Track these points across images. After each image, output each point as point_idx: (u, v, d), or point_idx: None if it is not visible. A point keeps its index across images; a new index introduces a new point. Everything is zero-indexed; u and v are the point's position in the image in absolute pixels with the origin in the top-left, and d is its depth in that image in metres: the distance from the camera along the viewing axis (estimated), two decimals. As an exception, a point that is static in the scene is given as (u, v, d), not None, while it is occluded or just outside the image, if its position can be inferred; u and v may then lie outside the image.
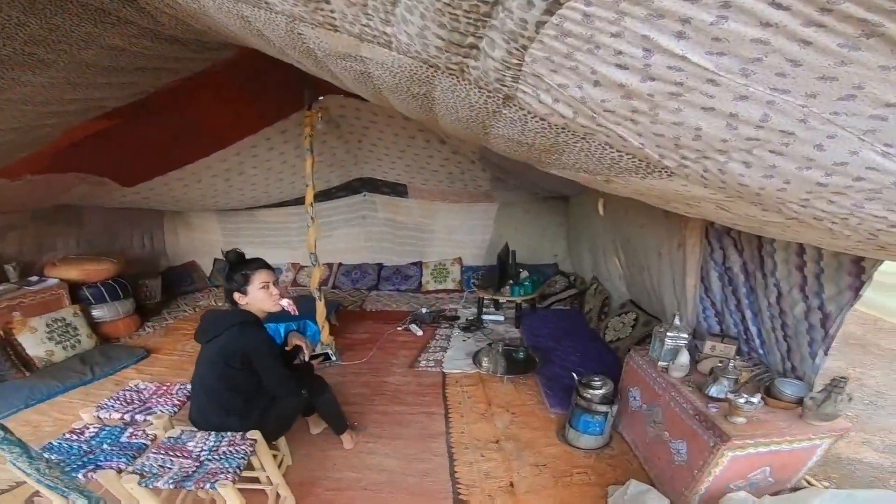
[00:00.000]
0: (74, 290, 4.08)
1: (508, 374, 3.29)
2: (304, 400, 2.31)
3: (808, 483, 2.07)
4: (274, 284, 2.09)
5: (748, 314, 2.35)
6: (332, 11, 1.16)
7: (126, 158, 3.66)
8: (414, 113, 1.97)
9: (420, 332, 4.25)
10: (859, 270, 1.71)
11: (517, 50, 0.95)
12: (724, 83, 0.78)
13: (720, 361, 2.26)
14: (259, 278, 2.02)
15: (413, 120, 3.98)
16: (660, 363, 2.40)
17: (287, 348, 2.42)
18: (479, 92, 1.24)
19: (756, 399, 1.82)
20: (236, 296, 2.01)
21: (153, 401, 2.36)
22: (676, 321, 2.37)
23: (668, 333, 2.34)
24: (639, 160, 1.23)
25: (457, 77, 1.22)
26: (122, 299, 4.34)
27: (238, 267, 2.03)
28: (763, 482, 1.93)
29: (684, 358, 2.26)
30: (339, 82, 2.01)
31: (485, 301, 4.57)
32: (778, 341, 2.16)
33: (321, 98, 3.88)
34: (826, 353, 1.92)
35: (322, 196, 5.60)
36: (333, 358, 3.40)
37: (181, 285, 5.69)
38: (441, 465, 2.45)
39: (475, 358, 3.55)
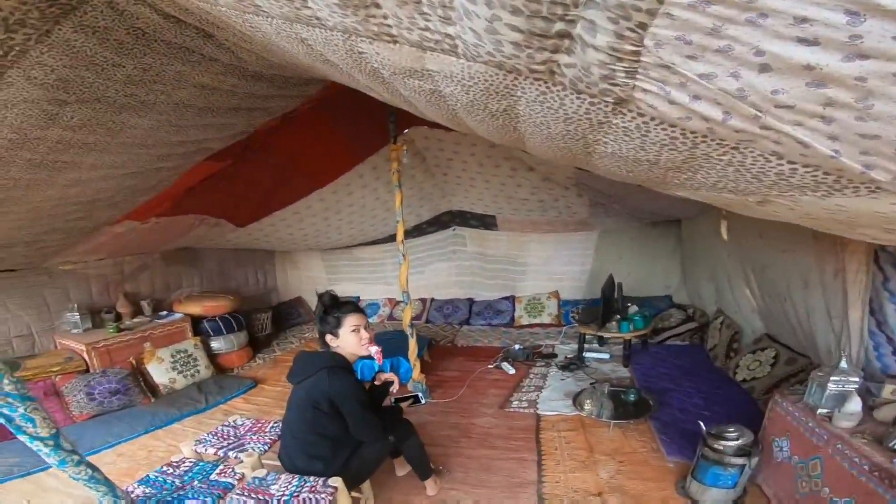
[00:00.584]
0: (196, 324, 4.52)
1: (616, 420, 2.81)
2: (391, 445, 2.20)
3: None
4: (365, 328, 2.06)
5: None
6: (385, 18, 1.03)
7: (236, 200, 4.03)
8: (496, 135, 1.80)
9: (512, 371, 3.92)
10: None
11: (632, 31, 0.70)
12: None
13: None
14: (350, 322, 2.00)
15: (498, 146, 3.87)
16: (819, 411, 1.86)
17: (377, 383, 2.35)
18: (579, 98, 1.01)
19: None
20: (328, 338, 2.02)
21: (247, 437, 2.41)
22: (843, 363, 1.82)
23: (832, 377, 1.80)
24: (825, 174, 0.91)
25: (545, 82, 1.01)
26: (236, 332, 4.69)
27: (331, 309, 2.03)
28: None
29: (855, 405, 1.74)
30: (414, 109, 1.94)
31: (587, 337, 4.10)
32: None
33: (406, 131, 3.94)
34: None
35: (413, 232, 5.69)
36: (423, 401, 3.25)
37: (290, 319, 6.08)
38: (531, 521, 2.09)
39: (576, 399, 3.12)
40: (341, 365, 1.96)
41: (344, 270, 6.33)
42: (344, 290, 6.37)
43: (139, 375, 3.87)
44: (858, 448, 1.62)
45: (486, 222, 5.41)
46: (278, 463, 2.11)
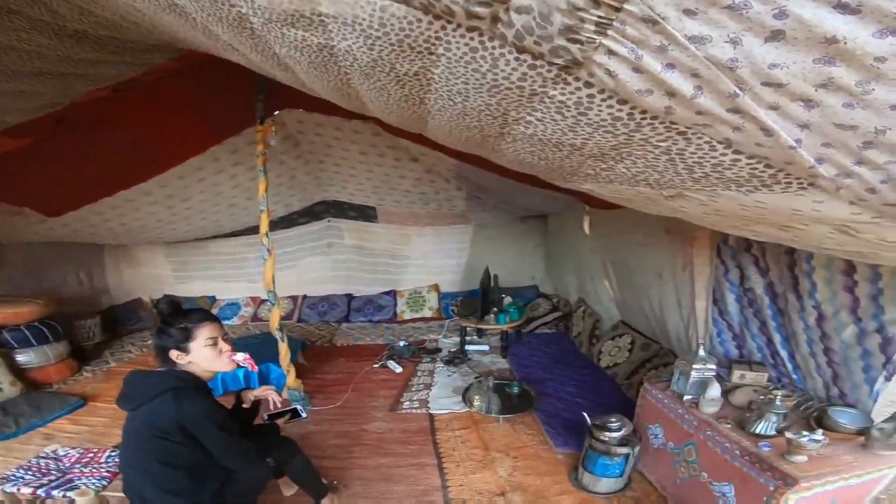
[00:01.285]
0: (-6, 335, 3.48)
1: (504, 414, 2.91)
2: (270, 469, 1.90)
3: None
4: (224, 339, 1.70)
5: (777, 337, 2.12)
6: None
7: (48, 184, 3.12)
8: (394, 111, 1.55)
9: (399, 369, 3.81)
10: None
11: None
12: None
13: (755, 391, 2.01)
14: (204, 333, 1.64)
15: (382, 135, 3.67)
16: (686, 398, 2.11)
17: (245, 405, 2.00)
18: (518, 59, 0.84)
19: (819, 436, 1.58)
20: (174, 354, 1.61)
21: (75, 471, 1.92)
22: (701, 352, 2.10)
23: (694, 365, 2.06)
24: (766, 167, 0.90)
25: (481, 34, 0.82)
26: (51, 342, 3.76)
27: (174, 319, 1.64)
28: None
29: (715, 391, 1.99)
30: (289, 75, 1.58)
31: (467, 330, 4.20)
32: (819, 367, 1.92)
33: (276, 113, 3.49)
34: (888, 380, 1.68)
35: (283, 223, 5.16)
36: (304, 415, 2.92)
37: (126, 324, 5.05)
38: (440, 531, 2.03)
39: (465, 396, 3.16)
40: (191, 385, 1.60)
41: (195, 267, 5.44)
42: (196, 289, 5.50)
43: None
44: (726, 434, 1.84)
45: (365, 214, 5.16)
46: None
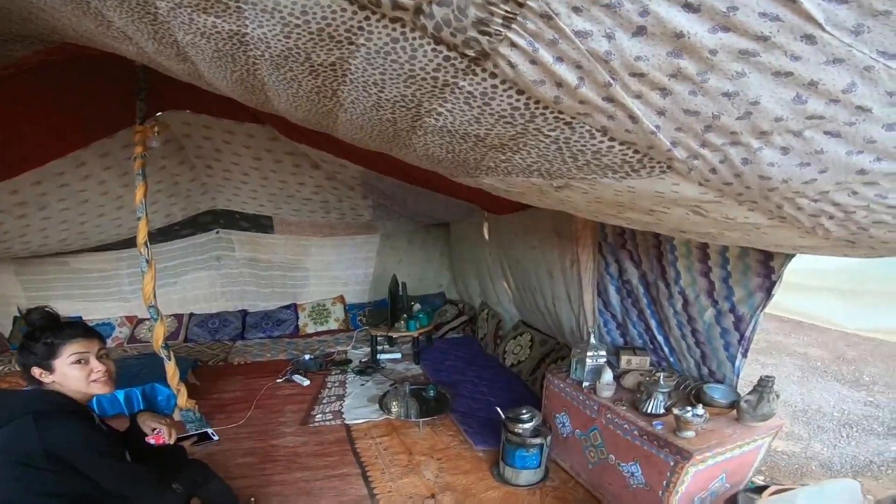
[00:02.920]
0: None
1: (423, 417, 2.94)
2: (179, 496, 1.67)
3: (755, 483, 2.12)
4: (99, 358, 1.48)
5: (652, 324, 2.46)
6: None
7: None
8: (303, 105, 1.50)
9: (307, 382, 3.64)
10: (768, 271, 1.85)
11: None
12: (825, 41, 0.66)
13: (641, 375, 2.29)
14: (70, 349, 1.42)
15: (280, 140, 3.51)
16: (585, 384, 2.33)
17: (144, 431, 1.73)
18: (435, 50, 0.90)
19: (701, 411, 1.83)
20: (35, 372, 1.40)
21: None
22: (593, 340, 2.36)
23: (588, 353, 2.30)
24: (634, 152, 1.05)
25: (403, 24, 0.86)
26: None
27: (41, 333, 1.42)
28: (720, 489, 1.94)
29: (608, 376, 2.21)
30: (188, 66, 1.47)
31: (378, 339, 4.15)
32: (690, 348, 2.27)
33: (159, 114, 3.18)
34: (745, 356, 2.04)
35: (161, 236, 4.61)
36: (215, 437, 2.63)
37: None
38: (375, 539, 1.99)
39: (382, 403, 3.13)
40: (60, 407, 1.38)
41: (52, 285, 4.59)
42: (58, 309, 4.62)
43: None
44: (623, 415, 2.04)
45: (260, 224, 4.84)
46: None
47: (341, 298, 5.31)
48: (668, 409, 1.97)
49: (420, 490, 2.33)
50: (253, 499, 2.17)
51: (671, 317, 2.32)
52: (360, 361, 4.08)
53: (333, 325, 5.08)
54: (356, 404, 3.24)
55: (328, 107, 1.44)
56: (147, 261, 2.90)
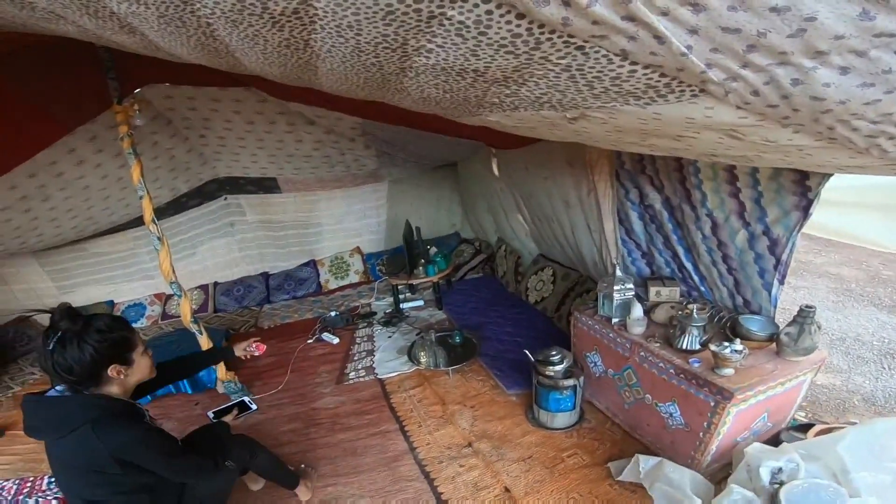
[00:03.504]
0: None
1: (452, 366, 3.01)
2: (233, 472, 1.80)
3: (797, 421, 2.10)
4: None
5: (680, 250, 2.35)
6: None
7: None
8: (275, 60, 1.36)
9: (336, 340, 3.74)
10: (804, 189, 1.69)
11: None
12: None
13: (672, 307, 2.20)
14: (139, 339, 1.49)
15: (269, 101, 3.32)
16: (614, 320, 2.27)
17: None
18: None
19: (739, 346, 1.73)
20: (113, 370, 1.39)
21: (20, 502, 1.84)
22: (619, 272, 2.26)
23: (615, 287, 2.22)
24: (660, 76, 0.92)
25: None
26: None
27: (110, 328, 1.40)
28: (763, 429, 1.92)
29: (638, 311, 2.14)
30: (139, 39, 1.33)
31: (399, 288, 4.18)
32: (722, 275, 2.17)
33: (137, 91, 3.01)
34: (781, 283, 1.92)
35: (170, 209, 4.60)
36: (253, 406, 2.76)
37: (17, 347, 4.34)
38: (421, 490, 2.12)
39: (410, 354, 3.20)
40: (113, 412, 1.40)
41: (77, 273, 4.71)
42: (87, 296, 4.82)
43: None
44: (657, 353, 1.97)
45: (265, 186, 4.76)
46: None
47: (358, 249, 5.31)
48: (703, 345, 1.89)
49: (457, 440, 2.42)
50: (303, 465, 2.29)
51: (699, 242, 2.20)
52: (385, 312, 4.15)
53: (354, 278, 5.13)
54: (386, 357, 3.33)
55: (304, 59, 1.30)
56: (159, 238, 2.86)
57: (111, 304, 4.91)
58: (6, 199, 3.08)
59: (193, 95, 3.26)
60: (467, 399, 2.75)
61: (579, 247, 3.18)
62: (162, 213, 4.52)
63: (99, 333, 1.37)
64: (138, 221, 4.37)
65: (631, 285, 2.24)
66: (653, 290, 2.33)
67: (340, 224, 5.25)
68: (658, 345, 2.03)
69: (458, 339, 3.24)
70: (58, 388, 1.41)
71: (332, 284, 5.10)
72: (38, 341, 3.95)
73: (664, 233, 2.41)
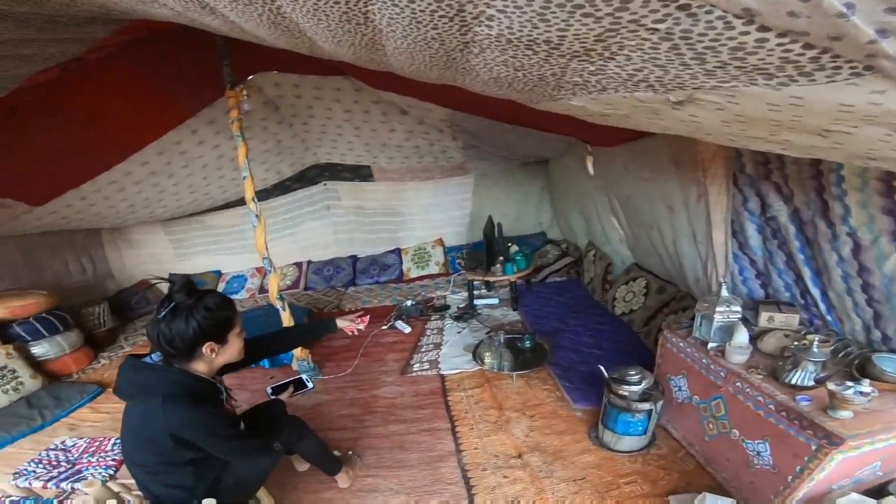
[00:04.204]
0: (5, 330, 3.51)
1: (517, 371, 2.84)
2: (279, 454, 1.84)
3: None
4: None
5: (806, 272, 1.92)
6: None
7: (22, 173, 2.99)
8: (340, 38, 1.32)
9: (408, 329, 3.76)
10: None
11: None
12: None
13: (786, 336, 1.84)
14: (239, 320, 1.52)
15: (365, 90, 3.41)
16: (710, 345, 1.95)
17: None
18: None
19: (867, 387, 1.40)
20: (208, 347, 1.45)
21: (83, 461, 1.95)
22: (724, 292, 1.92)
23: (718, 308, 1.89)
24: (804, 47, 0.68)
25: None
26: (63, 332, 3.76)
27: (217, 305, 1.45)
28: (870, 477, 1.55)
29: (743, 337, 1.81)
30: (221, 20, 1.38)
31: (475, 283, 4.08)
32: (858, 306, 1.74)
33: (250, 77, 3.25)
34: None
35: (276, 191, 5.02)
36: (310, 384, 2.87)
37: (137, 308, 5.05)
38: (458, 495, 2.01)
39: (475, 353, 3.09)
40: (189, 390, 1.45)
41: (195, 242, 5.37)
42: (200, 264, 5.47)
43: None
44: (758, 385, 1.67)
45: (360, 174, 4.96)
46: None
47: (440, 241, 5.32)
48: (819, 382, 1.57)
49: (507, 448, 2.26)
50: (350, 452, 2.31)
51: (833, 265, 1.77)
52: (458, 307, 4.08)
53: (434, 269, 5.14)
54: (452, 353, 3.25)
55: (368, 36, 1.25)
56: (256, 216, 3.03)
57: (218, 273, 5.51)
58: (139, 173, 3.56)
59: (298, 83, 3.46)
60: (527, 407, 2.57)
61: (681, 259, 2.79)
62: (269, 193, 4.95)
63: (207, 311, 1.42)
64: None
65: (738, 308, 1.90)
66: (764, 314, 1.95)
67: (426, 214, 5.30)
68: (760, 377, 1.72)
69: (527, 344, 3.05)
70: (154, 356, 1.50)
71: (413, 273, 5.17)
72: (155, 303, 4.50)
73: (788, 251, 1.99)
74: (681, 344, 2.10)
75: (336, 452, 2.19)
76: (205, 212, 5.02)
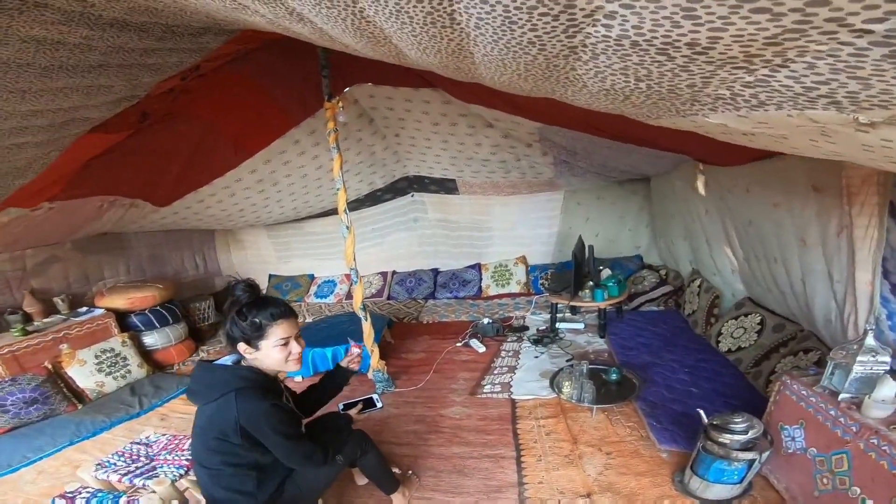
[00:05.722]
0: (124, 319, 3.98)
1: (599, 404, 2.56)
2: (341, 466, 1.81)
3: None
4: (296, 339, 1.59)
5: None
6: None
7: (149, 177, 3.41)
8: (426, 45, 1.24)
9: (482, 349, 3.62)
10: None
11: None
12: None
13: None
14: (278, 333, 1.53)
15: (452, 102, 3.39)
16: (842, 396, 1.61)
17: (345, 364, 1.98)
18: None
19: None
20: (241, 347, 1.52)
21: (160, 458, 2.01)
22: (870, 339, 1.55)
23: (860, 357, 1.53)
24: None
25: None
26: (171, 324, 4.18)
27: (250, 310, 1.52)
28: None
29: (888, 391, 1.49)
30: (311, 28, 1.37)
31: (558, 306, 3.83)
32: None
33: (347, 89, 3.40)
34: None
35: (367, 201, 5.21)
36: (379, 404, 2.86)
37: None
38: (514, 532, 1.82)
39: (553, 382, 2.86)
40: (256, 384, 1.50)
41: (294, 246, 5.78)
42: (296, 267, 5.88)
43: (60, 381, 3.37)
44: None
45: (446, 187, 4.97)
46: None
47: (523, 259, 5.12)
48: None
49: (575, 486, 2.01)
50: (410, 471, 2.22)
51: None
52: (538, 329, 3.84)
53: (515, 288, 4.95)
54: (527, 378, 3.04)
55: (455, 41, 1.14)
56: (347, 227, 3.10)
57: (312, 276, 5.86)
58: (248, 181, 3.90)
59: (391, 95, 3.55)
60: (605, 443, 2.28)
61: (810, 297, 2.33)
62: (361, 203, 5.18)
63: (238, 315, 1.51)
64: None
65: (886, 357, 1.53)
66: None
67: (511, 231, 5.15)
68: None
69: (613, 377, 2.74)
70: (228, 357, 1.60)
71: (493, 291, 5.02)
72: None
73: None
74: (803, 392, 1.77)
75: (396, 470, 2.12)
76: (304, 219, 5.38)
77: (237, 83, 2.76)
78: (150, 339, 4.04)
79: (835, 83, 0.70)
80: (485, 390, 2.97)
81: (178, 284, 4.65)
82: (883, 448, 1.44)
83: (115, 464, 1.93)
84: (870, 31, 0.55)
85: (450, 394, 3.00)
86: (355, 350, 1.97)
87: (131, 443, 2.11)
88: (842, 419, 1.60)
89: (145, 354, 3.93)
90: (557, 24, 0.82)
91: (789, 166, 2.20)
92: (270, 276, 5.93)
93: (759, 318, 2.83)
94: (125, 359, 3.71)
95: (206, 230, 5.39)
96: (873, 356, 1.54)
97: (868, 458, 1.49)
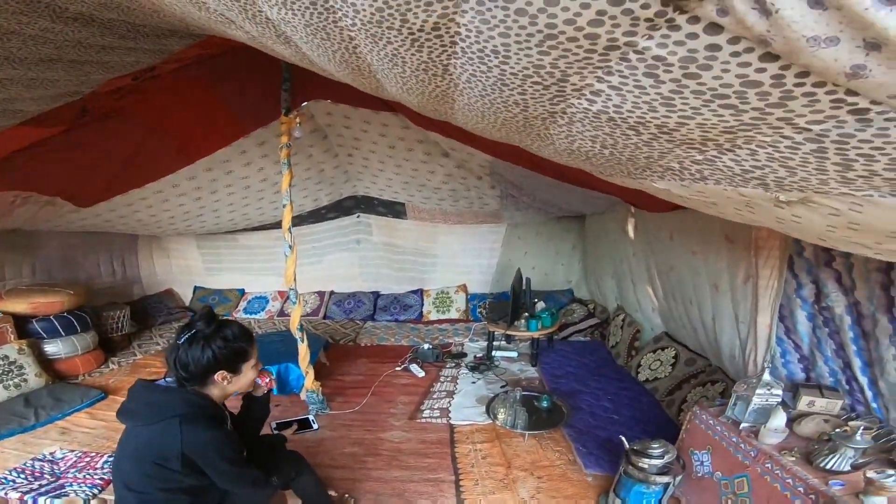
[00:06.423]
0: (25, 325, 3.56)
1: (531, 430, 2.68)
2: (275, 488, 1.75)
3: None
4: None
5: (856, 363, 1.80)
6: None
7: (79, 175, 3.13)
8: (412, 85, 1.29)
9: (422, 374, 3.64)
10: None
11: None
12: None
13: (826, 421, 1.74)
14: (254, 354, 1.54)
15: (411, 128, 3.50)
16: (743, 425, 1.85)
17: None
18: None
19: None
20: (219, 376, 1.45)
21: (68, 476, 1.83)
22: (767, 375, 1.81)
23: (758, 391, 1.78)
24: None
25: None
26: (79, 333, 3.78)
27: (236, 338, 1.48)
28: None
29: (780, 421, 1.73)
30: (294, 50, 1.40)
31: (495, 334, 3.97)
32: None
33: (304, 104, 3.39)
34: None
35: (311, 218, 5.11)
36: (315, 426, 2.77)
37: (157, 316, 5.09)
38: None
39: (489, 408, 2.94)
40: (204, 411, 1.43)
41: (225, 259, 5.48)
42: (226, 280, 5.55)
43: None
44: (789, 468, 1.58)
45: (395, 210, 5.02)
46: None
47: (464, 287, 5.26)
48: (856, 468, 1.50)
49: None
50: (346, 495, 2.17)
51: (889, 359, 1.65)
52: (475, 357, 3.95)
53: (455, 315, 5.05)
54: (464, 403, 3.11)
55: (441, 87, 1.21)
56: (290, 246, 3.02)
57: (242, 291, 5.57)
58: (185, 187, 3.70)
59: (349, 115, 3.56)
60: (536, 468, 2.39)
61: (718, 335, 2.65)
62: (303, 220, 5.05)
63: (224, 341, 1.45)
64: (279, 224, 4.93)
65: (779, 391, 1.80)
66: (805, 398, 1.84)
67: (454, 259, 5.28)
68: (793, 459, 1.63)
69: (545, 404, 2.89)
70: (167, 379, 1.50)
71: (433, 316, 5.09)
72: (176, 313, 4.51)
73: (839, 340, 1.86)
74: (710, 421, 2.00)
75: (332, 493, 2.06)
76: (238, 231, 5.15)
77: (191, 87, 2.67)
78: (54, 348, 3.64)
79: (768, 169, 0.85)
80: (424, 415, 2.98)
81: (91, 290, 4.23)
82: (776, 472, 1.64)
83: (13, 481, 1.72)
84: (808, 129, 0.68)
85: (389, 417, 2.98)
86: (263, 382, 1.71)
87: (32, 459, 1.89)
88: (742, 445, 1.81)
89: (46, 363, 3.53)
90: (546, 92, 0.91)
91: (708, 217, 2.49)
92: (196, 287, 5.55)
93: (675, 352, 3.14)
94: (21, 367, 3.31)
95: (130, 235, 4.96)
96: (769, 389, 1.79)
97: (764, 482, 1.68)
